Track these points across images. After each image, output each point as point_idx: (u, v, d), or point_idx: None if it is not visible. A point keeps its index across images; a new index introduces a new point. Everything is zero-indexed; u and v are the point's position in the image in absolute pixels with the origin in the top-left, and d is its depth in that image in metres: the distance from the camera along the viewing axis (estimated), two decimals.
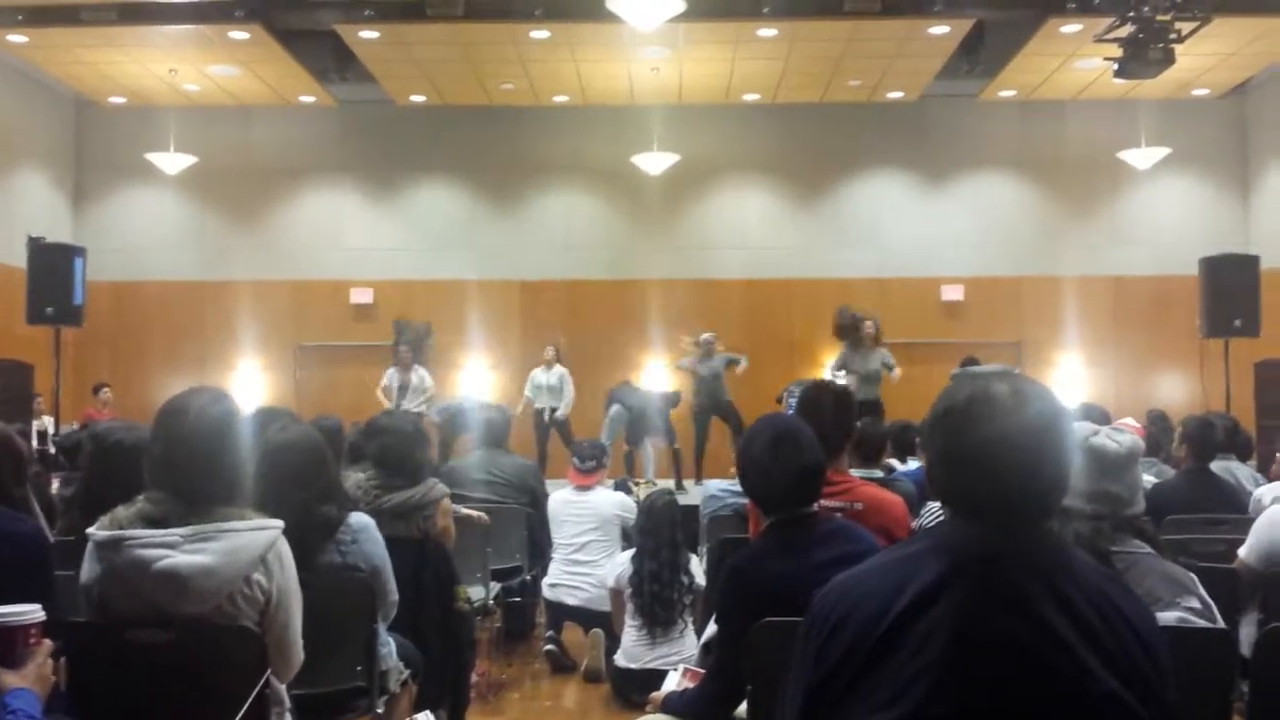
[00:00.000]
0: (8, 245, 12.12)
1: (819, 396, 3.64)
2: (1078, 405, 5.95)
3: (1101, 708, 1.49)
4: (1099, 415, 4.77)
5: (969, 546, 1.58)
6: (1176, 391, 13.52)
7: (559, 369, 11.87)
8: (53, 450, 9.55)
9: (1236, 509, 4.96)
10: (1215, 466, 5.35)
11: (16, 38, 12.04)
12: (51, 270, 9.62)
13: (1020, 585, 1.53)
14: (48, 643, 2.25)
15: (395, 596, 3.58)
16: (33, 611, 2.24)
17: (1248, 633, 3.70)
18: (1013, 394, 1.61)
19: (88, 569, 2.52)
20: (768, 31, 11.89)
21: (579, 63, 12.89)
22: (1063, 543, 1.65)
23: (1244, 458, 6.27)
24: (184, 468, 2.53)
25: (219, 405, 2.62)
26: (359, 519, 3.52)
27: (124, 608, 2.49)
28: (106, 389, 12.49)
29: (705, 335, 11.48)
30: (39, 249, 9.80)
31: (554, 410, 11.72)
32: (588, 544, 6.07)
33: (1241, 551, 3.95)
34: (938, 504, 3.27)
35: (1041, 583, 1.53)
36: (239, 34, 11.86)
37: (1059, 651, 1.50)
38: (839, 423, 3.54)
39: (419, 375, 11.95)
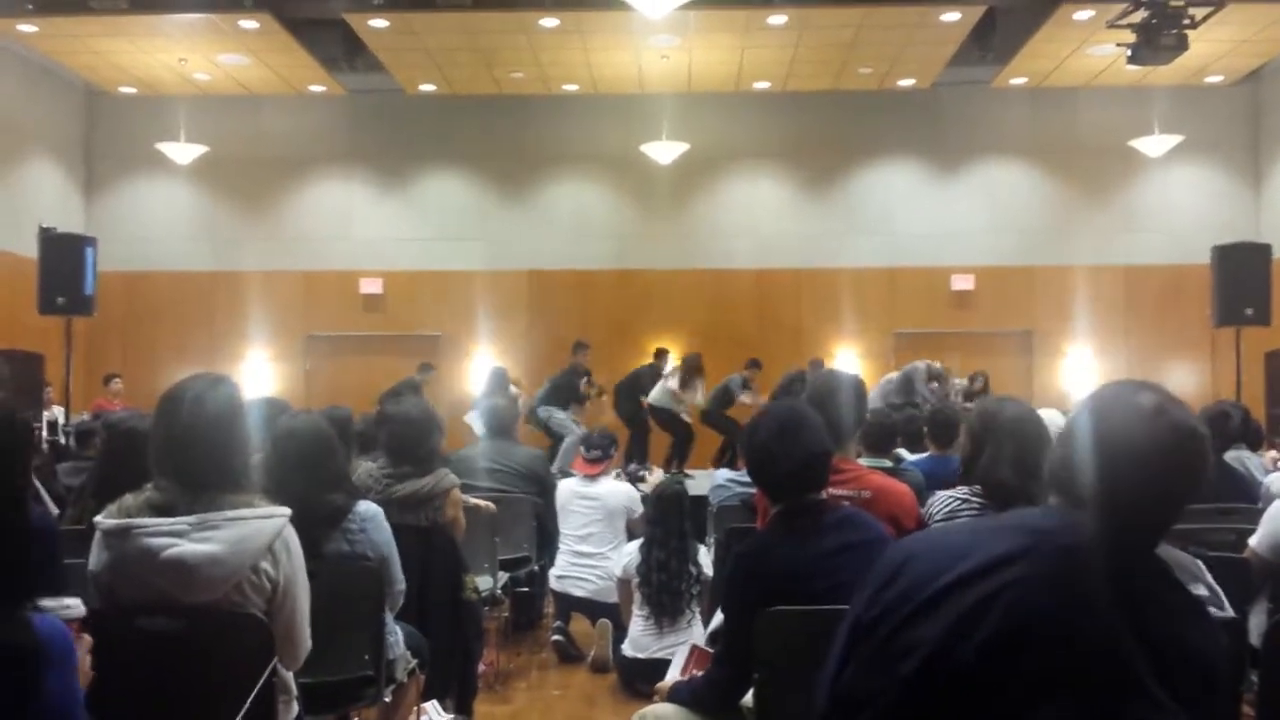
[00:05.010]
0: (19, 235, 12.17)
1: (830, 384, 3.63)
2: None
3: (1141, 713, 1.50)
4: None
5: (1053, 532, 1.60)
6: (1187, 381, 13.47)
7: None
8: (63, 440, 9.60)
9: (1247, 499, 4.94)
10: (1226, 456, 5.32)
11: (26, 27, 12.06)
12: (62, 260, 9.64)
13: (1087, 579, 1.54)
14: (87, 638, 2.23)
15: (402, 585, 3.58)
16: (74, 607, 2.23)
17: (1257, 622, 3.69)
18: (1155, 408, 1.62)
19: (96, 557, 2.53)
20: (778, 18, 11.84)
21: (588, 51, 12.86)
22: (1154, 556, 1.64)
23: (1255, 447, 6.23)
24: (184, 454, 2.53)
25: (216, 390, 2.59)
26: (367, 507, 3.52)
27: (132, 596, 2.49)
28: (117, 379, 12.53)
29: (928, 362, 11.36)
30: (50, 239, 9.82)
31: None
32: (593, 535, 6.06)
33: (1252, 541, 3.93)
34: (946, 492, 3.26)
35: (1113, 583, 1.54)
36: (248, 23, 11.87)
37: (1108, 650, 1.50)
38: (849, 411, 3.53)
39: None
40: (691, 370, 11.22)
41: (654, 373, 11.59)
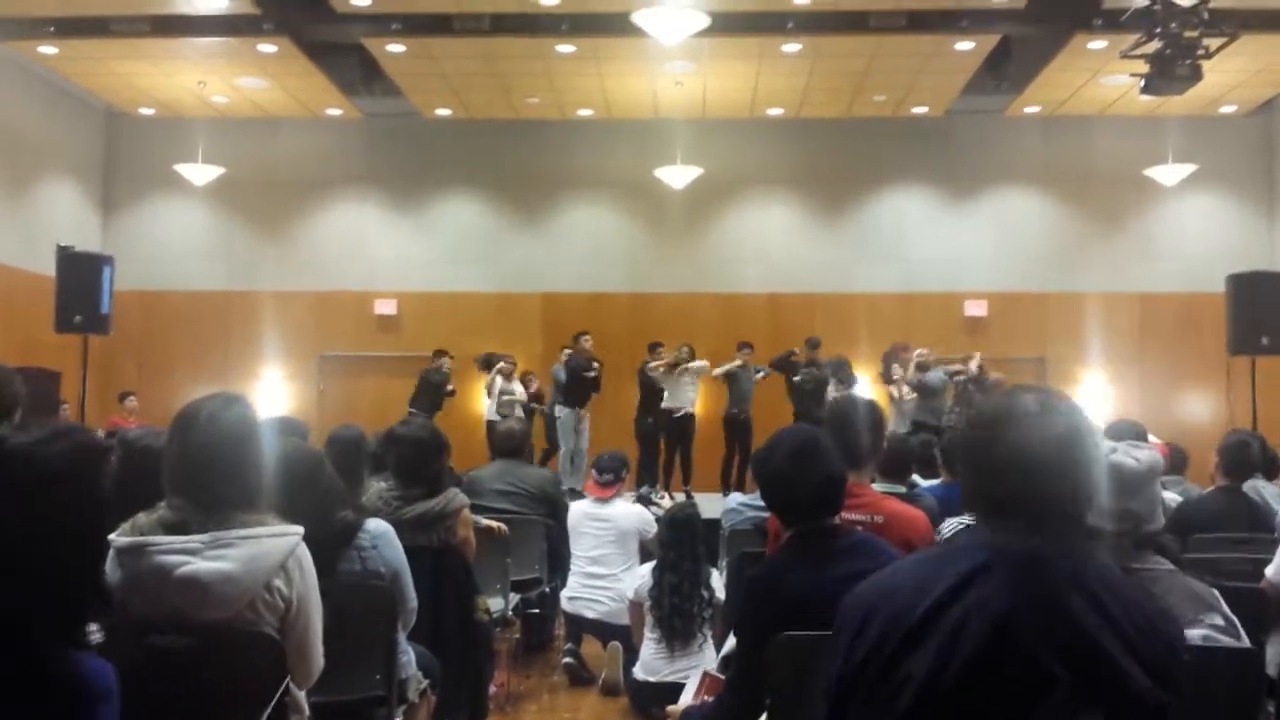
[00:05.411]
0: (37, 253, 12.26)
1: (848, 408, 3.62)
2: (1111, 421, 5.88)
3: (1135, 704, 1.53)
4: (1132, 431, 4.69)
5: (1005, 544, 1.63)
6: (1202, 410, 13.40)
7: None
8: None
9: (1264, 528, 4.90)
10: (1244, 486, 5.29)
11: (47, 49, 12.20)
12: (80, 279, 9.71)
13: (1054, 580, 1.58)
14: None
15: (414, 603, 3.58)
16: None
17: (1274, 652, 3.66)
18: (1039, 405, 1.69)
19: (109, 574, 2.53)
20: (792, 46, 11.90)
21: (604, 77, 12.94)
22: (1090, 548, 1.67)
23: (1271, 477, 6.18)
24: (198, 473, 2.54)
25: (230, 409, 2.60)
26: (377, 525, 3.53)
27: (145, 613, 2.50)
28: (132, 397, 12.59)
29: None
30: (68, 258, 9.89)
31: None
32: (605, 556, 6.06)
33: (1268, 571, 3.90)
34: (956, 519, 3.26)
35: (1073, 581, 1.58)
36: (267, 47, 11.98)
37: (1090, 644, 1.54)
38: (867, 436, 3.51)
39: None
40: (685, 352, 11.48)
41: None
